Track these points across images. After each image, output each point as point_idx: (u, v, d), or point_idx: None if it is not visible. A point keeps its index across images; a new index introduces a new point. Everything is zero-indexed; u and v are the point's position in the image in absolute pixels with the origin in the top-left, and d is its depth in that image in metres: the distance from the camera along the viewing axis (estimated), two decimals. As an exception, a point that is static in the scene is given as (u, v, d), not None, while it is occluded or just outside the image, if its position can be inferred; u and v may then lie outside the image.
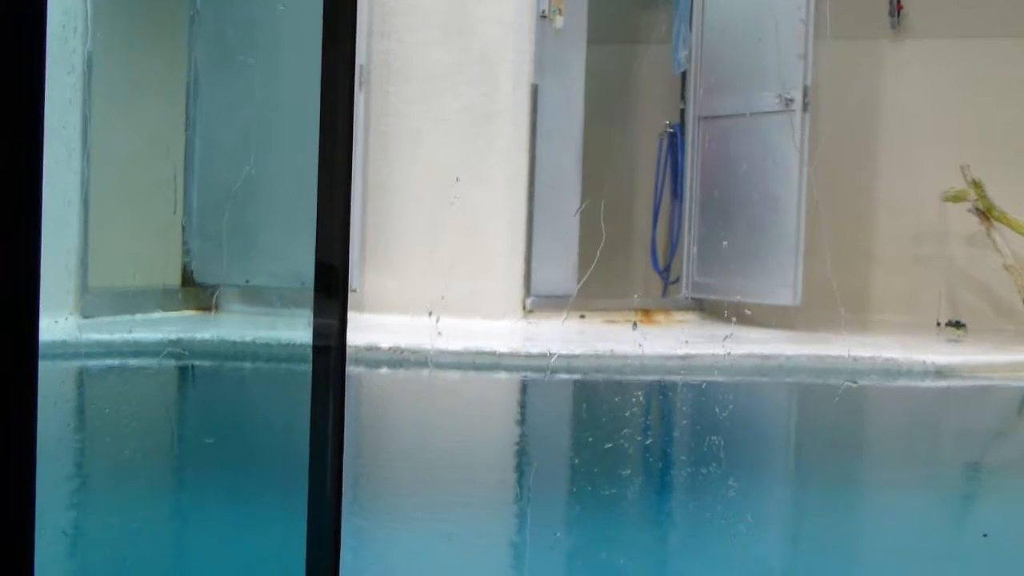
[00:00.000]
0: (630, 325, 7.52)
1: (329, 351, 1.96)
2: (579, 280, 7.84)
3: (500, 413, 5.53)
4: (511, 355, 6.19)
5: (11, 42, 0.95)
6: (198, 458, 3.43)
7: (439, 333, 5.81)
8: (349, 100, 1.91)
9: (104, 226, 6.74)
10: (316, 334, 1.96)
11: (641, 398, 5.74)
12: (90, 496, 2.84)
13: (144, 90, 7.43)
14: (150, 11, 7.69)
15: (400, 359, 5.97)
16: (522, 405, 5.85)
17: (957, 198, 8.00)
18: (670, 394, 5.95)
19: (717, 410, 5.06)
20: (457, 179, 7.35)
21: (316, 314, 1.95)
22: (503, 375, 6.00)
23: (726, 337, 6.85)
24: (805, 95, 7.39)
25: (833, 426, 5.07)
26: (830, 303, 7.15)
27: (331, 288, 1.96)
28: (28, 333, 1.01)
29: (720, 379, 5.95)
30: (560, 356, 6.20)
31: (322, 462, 1.88)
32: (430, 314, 6.16)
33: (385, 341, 6.04)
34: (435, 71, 7.55)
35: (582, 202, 7.82)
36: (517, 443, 4.56)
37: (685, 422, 5.22)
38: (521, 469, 3.99)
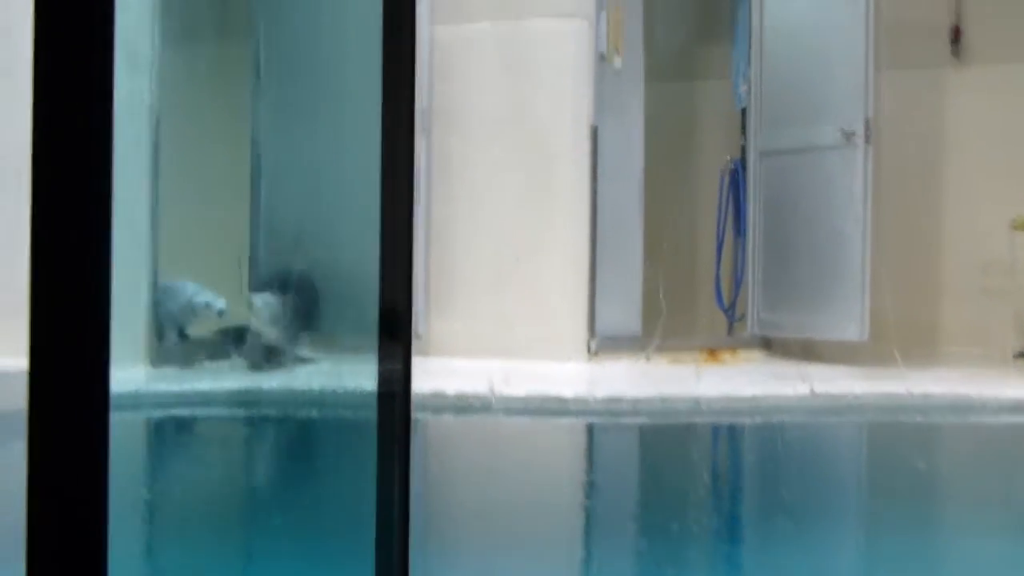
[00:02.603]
0: (695, 366, 7.45)
1: (394, 397, 1.96)
2: (643, 320, 7.80)
3: (567, 460, 5.49)
4: (576, 400, 6.15)
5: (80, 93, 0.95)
6: (263, 509, 3.43)
7: (506, 380, 5.79)
8: (409, 146, 1.91)
9: (171, 269, 6.81)
10: (381, 380, 1.95)
11: (711, 442, 5.68)
12: (157, 551, 2.83)
13: (210, 142, 7.52)
14: (213, 65, 7.79)
15: (465, 405, 5.95)
16: (589, 452, 5.81)
17: (1026, 226, 7.89)
18: (740, 437, 5.88)
19: (790, 453, 4.99)
20: (523, 219, 7.34)
21: (381, 360, 1.95)
22: (569, 420, 5.96)
23: (797, 372, 6.78)
24: (867, 128, 7.34)
25: (910, 468, 4.96)
26: (898, 337, 7.06)
27: (395, 333, 1.96)
28: (99, 379, 1.01)
29: (789, 419, 5.88)
30: (626, 400, 6.16)
31: (389, 509, 1.87)
32: (494, 385, 6.10)
33: (450, 387, 6.03)
34: (494, 114, 7.58)
35: (645, 255, 7.81)
36: (586, 491, 4.51)
37: (760, 467, 5.14)
38: (591, 517, 3.95)
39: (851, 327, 7.32)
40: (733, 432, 5.90)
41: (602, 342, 7.56)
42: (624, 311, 7.71)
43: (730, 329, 8.63)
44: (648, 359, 7.52)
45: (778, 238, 7.96)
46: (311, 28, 7.65)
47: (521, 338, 7.30)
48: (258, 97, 7.73)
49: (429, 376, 6.25)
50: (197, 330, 6.93)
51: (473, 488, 4.38)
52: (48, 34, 0.94)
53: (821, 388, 6.25)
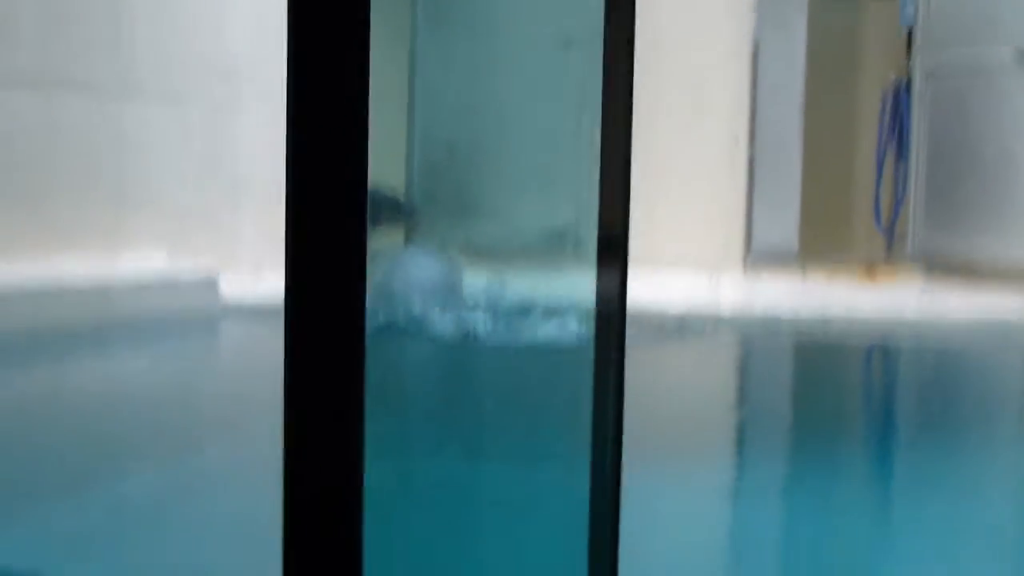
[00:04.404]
0: (852, 283, 7.38)
1: (611, 318, 2.01)
2: (800, 237, 7.75)
3: (733, 376, 5.51)
4: (732, 315, 6.15)
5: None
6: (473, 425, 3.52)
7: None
8: (629, 67, 1.94)
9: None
10: (599, 301, 2.01)
11: (874, 361, 5.65)
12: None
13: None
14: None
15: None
16: (748, 367, 5.81)
17: None
18: (905, 357, 5.82)
19: (955, 375, 4.95)
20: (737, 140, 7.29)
21: (599, 280, 2.00)
22: (726, 334, 5.96)
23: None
24: (1043, 47, 7.13)
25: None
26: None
27: (612, 255, 2.01)
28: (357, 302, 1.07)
29: (953, 342, 5.81)
30: (783, 317, 6.15)
31: (604, 428, 1.92)
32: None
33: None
34: (657, 28, 7.51)
35: (804, 173, 7.70)
36: (756, 409, 4.54)
37: (932, 388, 5.10)
38: (762, 436, 3.98)
39: (1018, 248, 7.18)
40: (896, 352, 5.85)
41: (758, 257, 7.54)
42: (781, 227, 7.67)
43: (889, 249, 8.51)
44: (804, 274, 7.47)
45: (943, 158, 7.80)
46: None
47: (676, 251, 7.31)
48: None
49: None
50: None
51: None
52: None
53: (986, 312, 6.15)
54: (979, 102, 7.51)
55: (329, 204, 1.05)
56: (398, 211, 7.45)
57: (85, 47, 6.04)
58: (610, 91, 1.95)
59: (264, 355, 4.79)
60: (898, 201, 8.37)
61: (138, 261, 6.15)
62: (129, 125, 6.28)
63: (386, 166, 7.90)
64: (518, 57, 7.09)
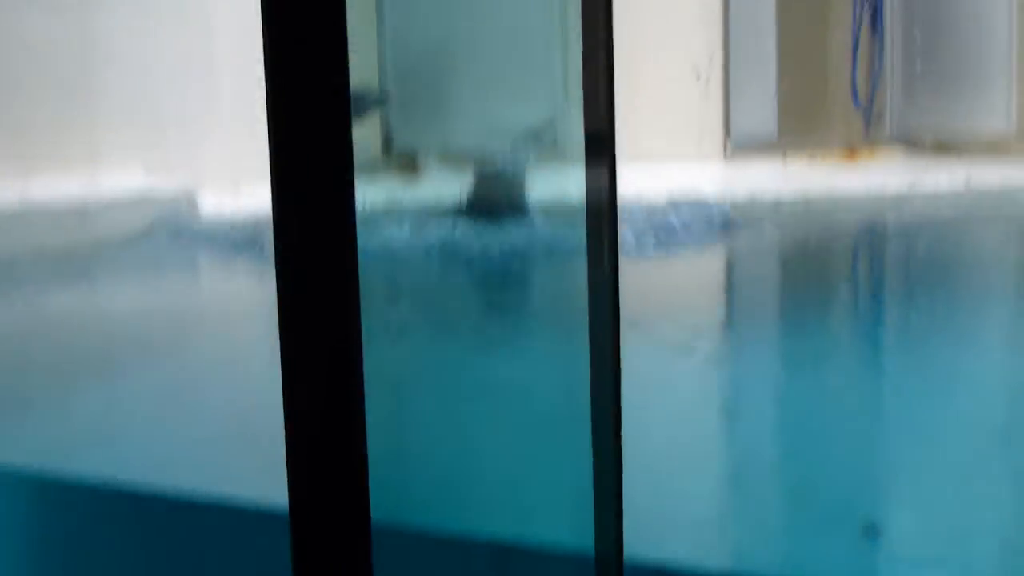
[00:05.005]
0: (835, 165, 7.38)
1: (601, 212, 2.01)
2: (779, 122, 7.71)
3: (723, 256, 5.51)
4: (716, 202, 6.13)
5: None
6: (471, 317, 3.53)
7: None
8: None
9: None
10: (588, 195, 2.00)
11: (865, 238, 5.67)
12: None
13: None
14: None
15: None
16: (737, 247, 5.78)
17: None
18: (892, 230, 5.85)
19: (941, 243, 4.98)
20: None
21: (588, 176, 1.99)
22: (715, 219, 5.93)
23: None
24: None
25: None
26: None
27: (600, 152, 2.00)
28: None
29: (938, 215, 5.84)
30: (766, 201, 6.15)
31: (602, 312, 1.93)
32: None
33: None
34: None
35: (779, 56, 7.62)
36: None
37: (921, 255, 5.11)
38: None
39: (996, 119, 7.17)
40: (884, 228, 5.87)
41: (737, 144, 7.51)
42: (759, 113, 7.62)
43: (868, 128, 8.47)
44: (785, 158, 7.46)
45: (917, 32, 7.75)
46: None
47: (653, 141, 7.26)
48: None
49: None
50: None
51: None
52: None
53: (969, 183, 6.16)
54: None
55: (311, 108, 1.03)
56: (374, 105, 7.36)
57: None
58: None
59: (248, 270, 4.80)
60: (875, 79, 8.33)
61: (115, 180, 6.10)
62: (100, 40, 6.20)
63: (359, 69, 7.80)
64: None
